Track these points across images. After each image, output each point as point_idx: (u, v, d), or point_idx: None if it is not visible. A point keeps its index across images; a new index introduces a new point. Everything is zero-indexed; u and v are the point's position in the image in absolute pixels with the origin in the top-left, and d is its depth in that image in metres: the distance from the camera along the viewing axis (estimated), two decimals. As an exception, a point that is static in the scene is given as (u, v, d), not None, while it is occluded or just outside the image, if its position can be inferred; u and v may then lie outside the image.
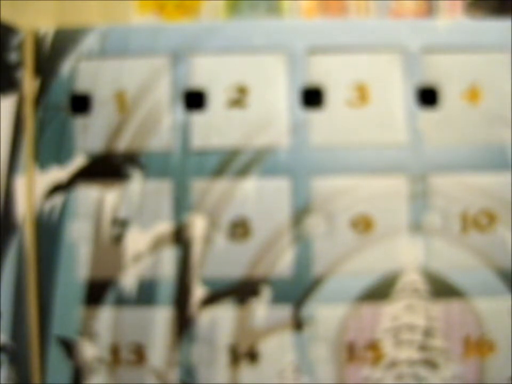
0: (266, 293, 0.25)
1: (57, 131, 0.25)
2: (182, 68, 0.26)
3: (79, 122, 0.25)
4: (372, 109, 0.25)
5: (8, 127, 0.25)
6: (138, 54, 0.26)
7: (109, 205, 0.25)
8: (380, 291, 0.25)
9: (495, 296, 0.25)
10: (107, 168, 0.25)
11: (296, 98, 0.25)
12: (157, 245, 0.25)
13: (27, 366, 0.25)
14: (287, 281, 0.25)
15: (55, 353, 0.25)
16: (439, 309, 0.25)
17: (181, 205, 0.25)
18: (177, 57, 0.26)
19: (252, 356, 0.25)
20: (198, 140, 0.25)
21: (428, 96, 0.25)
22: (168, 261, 0.25)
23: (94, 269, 0.25)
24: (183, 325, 0.25)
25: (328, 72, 0.25)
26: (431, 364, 0.25)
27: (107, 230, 0.25)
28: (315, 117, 0.25)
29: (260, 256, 0.25)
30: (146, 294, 0.25)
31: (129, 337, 0.25)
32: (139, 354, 0.25)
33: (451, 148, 0.25)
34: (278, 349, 0.25)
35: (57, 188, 0.25)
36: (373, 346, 0.25)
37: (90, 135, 0.25)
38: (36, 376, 0.25)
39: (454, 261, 0.25)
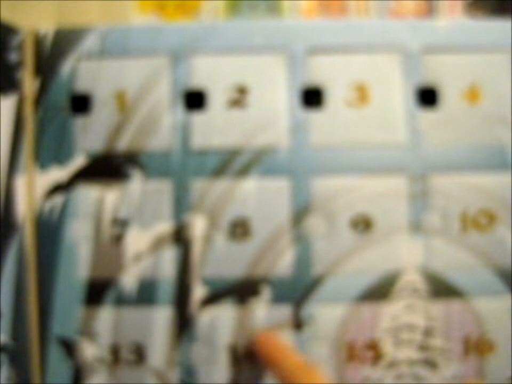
0: (266, 293, 0.25)
1: (57, 131, 0.25)
2: (182, 68, 0.26)
3: (79, 122, 0.25)
4: (372, 109, 0.25)
5: (8, 127, 0.25)
6: (138, 54, 0.26)
7: (109, 205, 0.25)
8: (380, 291, 0.25)
9: (494, 296, 0.25)
10: (107, 168, 0.25)
11: (296, 98, 0.25)
12: (157, 245, 0.25)
13: (27, 366, 0.25)
14: (287, 281, 0.25)
15: (55, 353, 0.25)
16: (439, 308, 0.25)
17: (181, 205, 0.25)
18: (177, 57, 0.26)
19: (252, 356, 0.25)
20: (198, 140, 0.25)
21: (427, 96, 0.25)
22: (168, 261, 0.25)
23: (94, 269, 0.25)
24: (183, 325, 0.25)
25: (328, 72, 0.25)
26: (431, 364, 0.25)
27: (107, 230, 0.25)
28: (315, 117, 0.25)
29: (259, 256, 0.25)
30: (146, 294, 0.25)
31: (129, 337, 0.25)
32: (139, 354, 0.25)
33: (451, 148, 0.25)
34: (278, 349, 0.25)
35: (57, 188, 0.25)
36: (373, 346, 0.25)
37: (90, 135, 0.25)
38: (36, 376, 0.25)
39: (454, 260, 0.25)
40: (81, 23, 0.26)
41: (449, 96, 0.25)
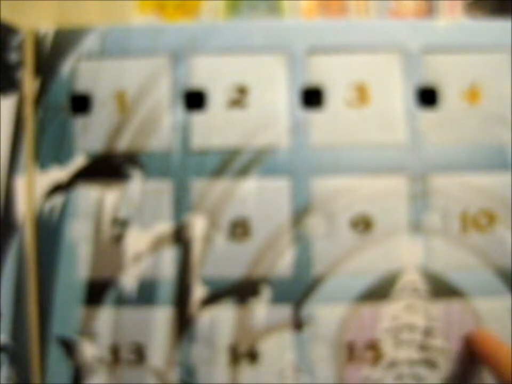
0: (266, 293, 0.25)
1: (57, 131, 0.25)
2: (182, 68, 0.26)
3: (79, 122, 0.25)
4: (372, 109, 0.25)
5: (8, 127, 0.25)
6: (138, 54, 0.26)
7: (109, 205, 0.25)
8: (380, 291, 0.25)
9: (494, 296, 0.25)
10: (107, 168, 0.25)
11: (296, 98, 0.25)
12: (157, 245, 0.25)
13: (27, 366, 0.25)
14: (287, 281, 0.25)
15: (55, 353, 0.25)
16: (439, 308, 0.25)
17: (181, 205, 0.25)
18: (177, 57, 0.26)
19: (252, 356, 0.25)
20: (198, 140, 0.25)
21: (427, 96, 0.25)
22: (168, 261, 0.25)
23: (94, 269, 0.25)
24: (183, 325, 0.25)
25: (328, 72, 0.26)
26: (431, 364, 0.25)
27: (107, 230, 0.25)
28: (315, 117, 0.25)
29: (260, 256, 0.25)
30: (146, 294, 0.25)
31: (129, 337, 0.25)
32: (139, 354, 0.25)
33: (451, 148, 0.25)
34: (278, 349, 0.25)
35: (57, 188, 0.25)
36: (373, 346, 0.25)
37: (90, 135, 0.25)
38: (36, 376, 0.25)
39: (454, 260, 0.25)
40: (81, 23, 0.26)
41: (449, 96, 0.25)
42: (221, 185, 0.25)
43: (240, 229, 0.25)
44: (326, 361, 0.25)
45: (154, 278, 0.25)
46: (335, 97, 0.25)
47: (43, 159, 0.25)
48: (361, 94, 0.25)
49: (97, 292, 0.25)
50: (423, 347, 0.25)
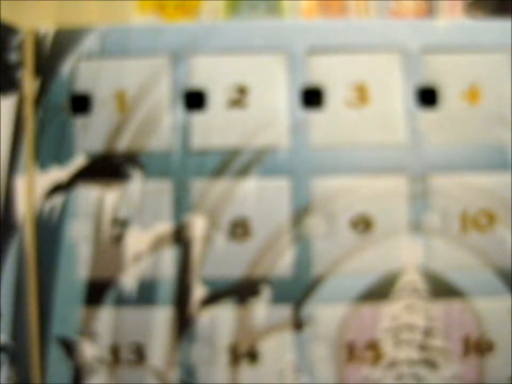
0: (266, 293, 0.25)
1: (57, 131, 0.25)
2: (182, 68, 0.26)
3: (79, 122, 0.25)
4: (372, 109, 0.25)
5: (8, 127, 0.25)
6: (138, 54, 0.26)
7: (109, 205, 0.25)
8: (380, 291, 0.25)
9: (494, 296, 0.25)
10: (107, 168, 0.25)
11: (296, 98, 0.25)
12: (157, 245, 0.25)
13: (27, 366, 0.25)
14: (287, 281, 0.25)
15: (55, 353, 0.25)
16: (439, 308, 0.25)
17: (181, 205, 0.25)
18: (177, 57, 0.26)
19: (252, 356, 0.25)
20: (198, 140, 0.25)
21: (427, 96, 0.25)
22: (168, 261, 0.25)
23: (94, 269, 0.25)
24: (183, 325, 0.25)
25: (328, 72, 0.26)
26: (430, 364, 0.25)
27: (107, 230, 0.25)
28: (315, 117, 0.25)
29: (260, 256, 0.25)
30: (146, 294, 0.25)
31: (129, 337, 0.25)
32: (139, 354, 0.25)
33: (451, 148, 0.25)
34: (278, 349, 0.25)
35: (57, 188, 0.25)
36: (373, 346, 0.25)
37: (90, 135, 0.25)
38: (36, 376, 0.25)
39: (454, 260, 0.25)
40: (81, 23, 0.26)
41: (449, 96, 0.25)
42: (221, 185, 0.25)
43: (240, 229, 0.25)
44: (326, 361, 0.25)
45: (154, 278, 0.25)
46: (335, 97, 0.25)
47: (43, 159, 0.25)
48: (361, 94, 0.25)
49: (97, 291, 0.25)
50: (423, 347, 0.25)
